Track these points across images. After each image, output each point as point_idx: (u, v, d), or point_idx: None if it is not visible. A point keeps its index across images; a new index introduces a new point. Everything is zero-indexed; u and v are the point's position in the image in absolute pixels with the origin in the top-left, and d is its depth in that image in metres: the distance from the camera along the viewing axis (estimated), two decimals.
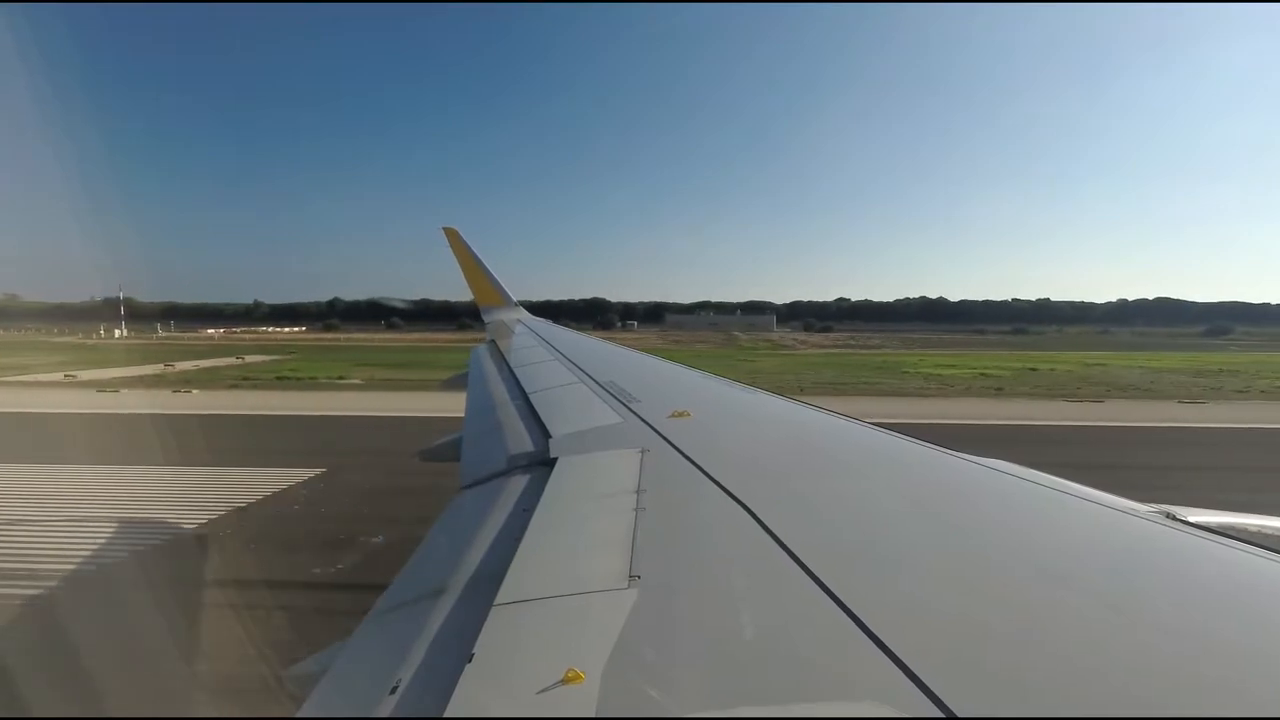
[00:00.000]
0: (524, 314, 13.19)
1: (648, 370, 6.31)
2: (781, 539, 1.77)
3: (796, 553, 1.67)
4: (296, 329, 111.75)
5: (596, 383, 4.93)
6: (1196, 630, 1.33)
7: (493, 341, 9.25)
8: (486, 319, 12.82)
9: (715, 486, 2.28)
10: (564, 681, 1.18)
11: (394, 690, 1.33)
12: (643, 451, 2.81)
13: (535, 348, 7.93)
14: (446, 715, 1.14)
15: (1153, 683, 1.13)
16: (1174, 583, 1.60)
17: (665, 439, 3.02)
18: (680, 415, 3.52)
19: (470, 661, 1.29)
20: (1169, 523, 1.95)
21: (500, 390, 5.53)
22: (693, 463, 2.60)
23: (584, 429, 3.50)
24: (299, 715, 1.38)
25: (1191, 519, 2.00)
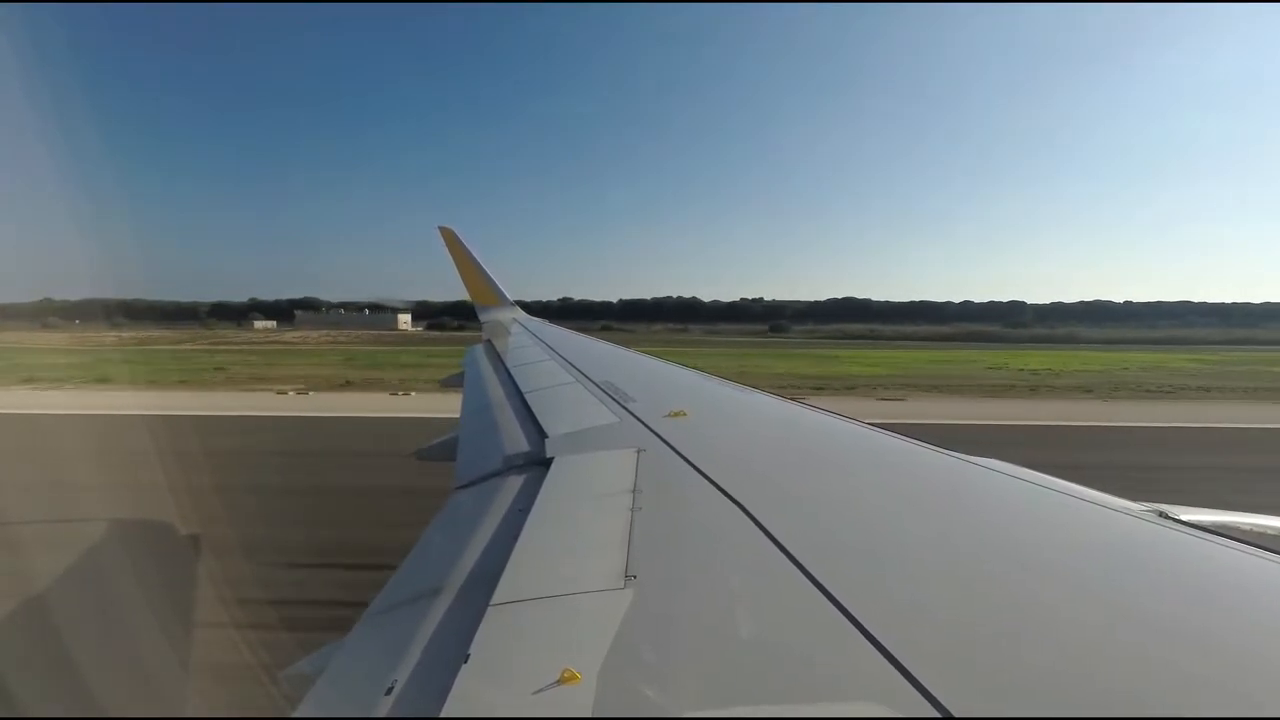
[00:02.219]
0: (520, 314, 13.18)
1: (644, 370, 6.31)
2: (778, 539, 1.77)
3: (793, 553, 1.68)
4: None
5: (593, 382, 4.93)
6: (1189, 629, 1.34)
7: (489, 341, 9.25)
8: (483, 319, 12.83)
9: (712, 486, 2.28)
10: (560, 682, 1.18)
11: (390, 691, 1.33)
12: (639, 451, 2.81)
13: (531, 347, 7.93)
14: (443, 716, 1.13)
15: (1146, 681, 1.14)
16: (1167, 581, 1.61)
17: (661, 439, 3.02)
18: (677, 415, 3.52)
19: (466, 662, 1.28)
20: (1162, 521, 1.96)
21: (496, 390, 5.53)
22: (689, 463, 2.60)
23: (580, 429, 3.49)
24: (295, 716, 1.38)
25: (1184, 517, 2.01)
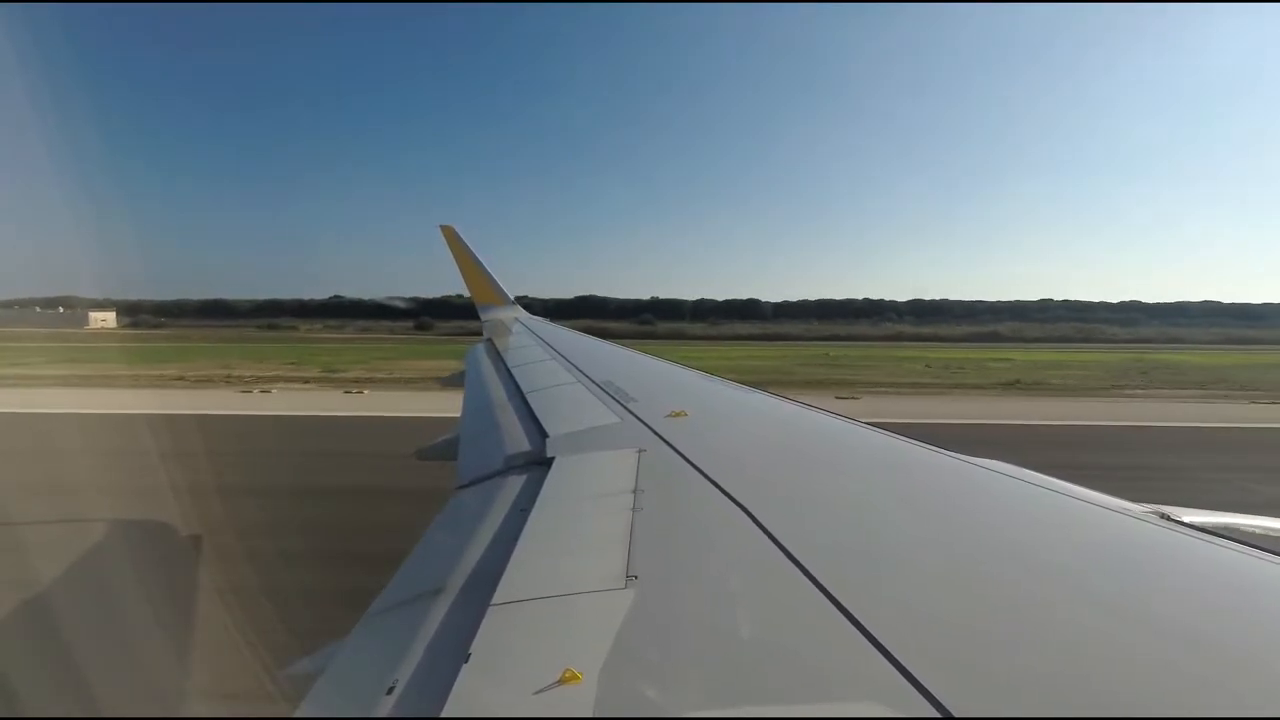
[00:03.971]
0: (522, 313, 13.18)
1: (645, 370, 6.31)
2: (779, 539, 1.77)
3: (794, 553, 1.68)
4: None
5: (594, 382, 4.93)
6: (1190, 630, 1.34)
7: (490, 340, 9.25)
8: (484, 318, 12.82)
9: (712, 487, 2.28)
10: (561, 682, 1.18)
11: (391, 690, 1.33)
12: (640, 451, 2.81)
13: (532, 347, 7.94)
14: (444, 715, 1.13)
15: (1147, 682, 1.14)
16: (1168, 583, 1.61)
17: (662, 439, 3.02)
18: (677, 415, 3.52)
19: (467, 662, 1.29)
20: (1163, 523, 1.96)
21: (497, 389, 5.53)
22: (690, 463, 2.60)
23: (581, 429, 3.50)
24: (296, 716, 1.38)
25: (1185, 519, 2.01)
